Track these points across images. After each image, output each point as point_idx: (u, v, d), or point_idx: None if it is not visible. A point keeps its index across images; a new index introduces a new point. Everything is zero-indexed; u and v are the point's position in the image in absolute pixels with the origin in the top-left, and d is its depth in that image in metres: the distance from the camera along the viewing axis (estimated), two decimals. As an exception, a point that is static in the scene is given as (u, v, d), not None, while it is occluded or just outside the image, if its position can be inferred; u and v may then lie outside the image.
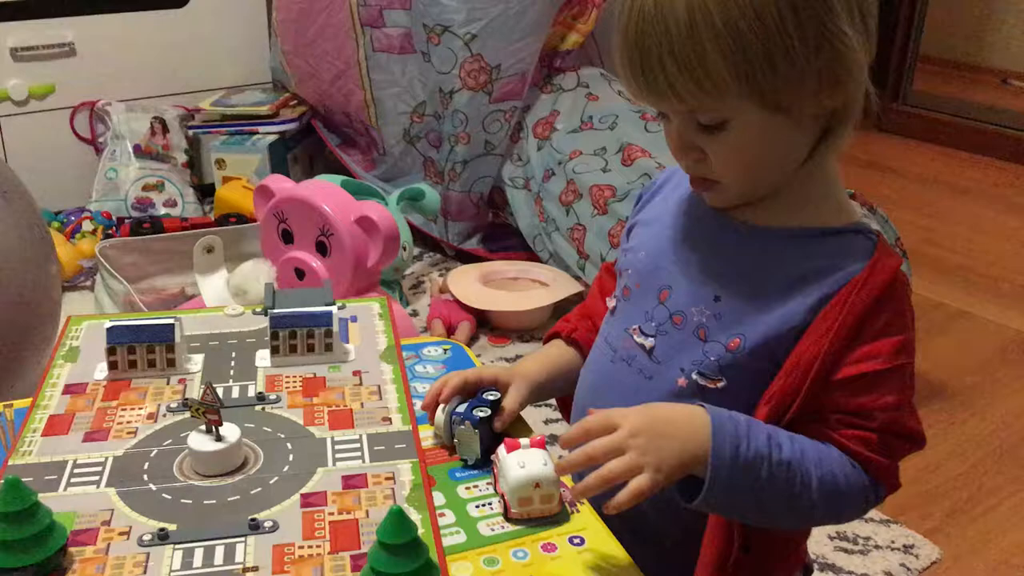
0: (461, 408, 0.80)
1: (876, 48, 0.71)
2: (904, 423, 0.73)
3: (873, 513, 1.55)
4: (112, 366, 0.86)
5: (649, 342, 0.78)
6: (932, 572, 1.46)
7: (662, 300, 0.78)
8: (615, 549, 0.69)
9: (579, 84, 2.31)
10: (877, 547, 1.49)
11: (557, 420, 1.76)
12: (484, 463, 0.79)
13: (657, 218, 0.83)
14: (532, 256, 2.29)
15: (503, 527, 0.71)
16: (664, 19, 0.66)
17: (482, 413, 0.79)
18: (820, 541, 1.48)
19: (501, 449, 0.74)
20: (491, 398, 0.82)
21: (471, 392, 0.83)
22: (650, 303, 0.79)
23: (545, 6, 2.20)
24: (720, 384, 0.74)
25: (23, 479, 0.63)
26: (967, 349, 2.10)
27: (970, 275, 2.45)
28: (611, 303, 0.85)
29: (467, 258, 2.37)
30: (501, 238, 2.43)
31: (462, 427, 0.79)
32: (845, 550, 1.48)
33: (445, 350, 1.00)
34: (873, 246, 0.74)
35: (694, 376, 0.75)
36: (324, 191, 1.64)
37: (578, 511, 0.73)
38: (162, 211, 2.43)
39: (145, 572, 0.64)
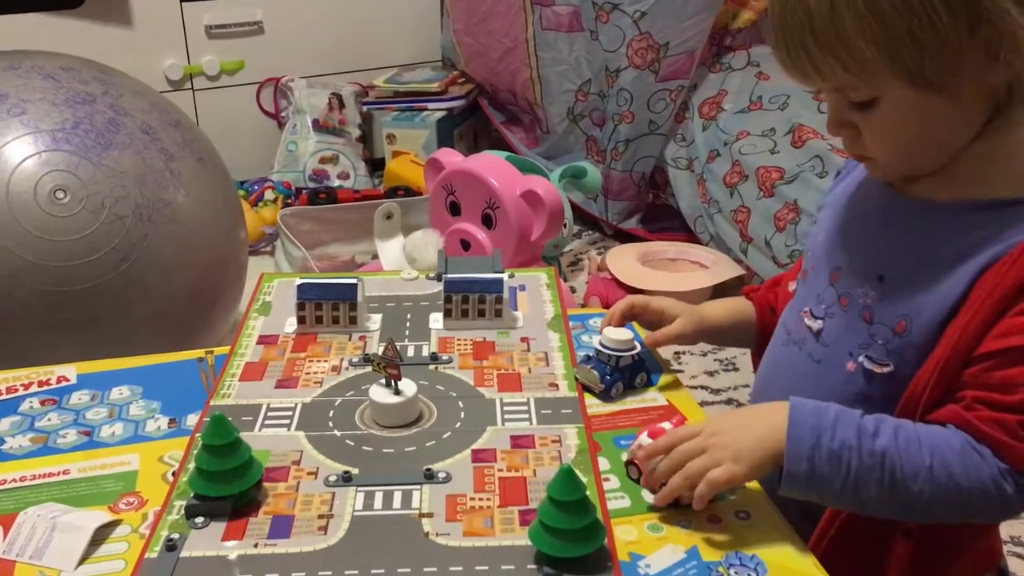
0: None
1: None
2: None
3: (1053, 521, 1.46)
4: (301, 320, 0.93)
5: (817, 324, 0.77)
6: (1118, 588, 1.36)
7: (832, 282, 0.77)
8: (780, 524, 0.69)
9: (749, 63, 2.26)
10: (1056, 557, 1.40)
11: (711, 403, 1.75)
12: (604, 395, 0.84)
13: (840, 198, 0.81)
14: (692, 238, 2.27)
15: (667, 495, 0.72)
16: None
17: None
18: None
19: (643, 436, 0.73)
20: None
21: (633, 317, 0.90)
22: (821, 284, 0.77)
23: (718, -17, 2.16)
24: (887, 369, 0.72)
25: (226, 417, 0.69)
26: None
27: None
28: (791, 287, 0.84)
29: (626, 237, 2.37)
30: (661, 218, 2.42)
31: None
32: (1021, 556, 1.40)
33: (610, 322, 1.01)
34: None
35: (862, 359, 0.73)
36: (492, 165, 1.68)
37: (744, 488, 0.73)
38: (336, 183, 2.56)
39: (331, 510, 0.69)
